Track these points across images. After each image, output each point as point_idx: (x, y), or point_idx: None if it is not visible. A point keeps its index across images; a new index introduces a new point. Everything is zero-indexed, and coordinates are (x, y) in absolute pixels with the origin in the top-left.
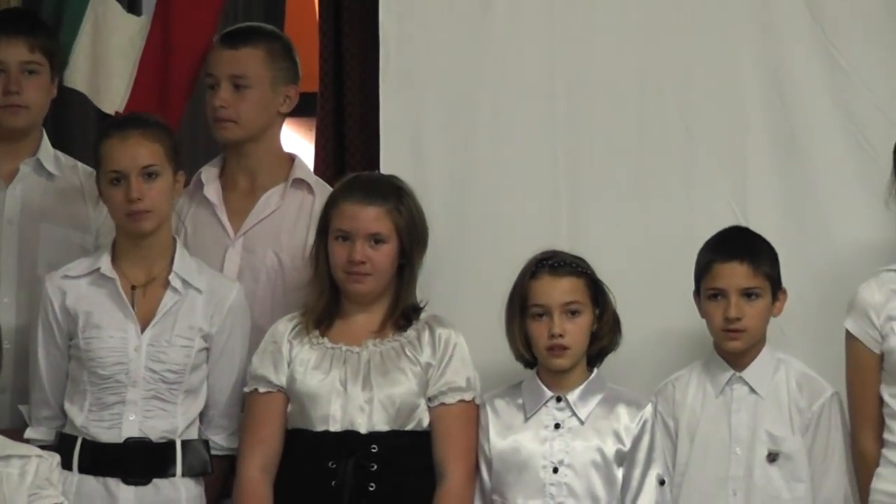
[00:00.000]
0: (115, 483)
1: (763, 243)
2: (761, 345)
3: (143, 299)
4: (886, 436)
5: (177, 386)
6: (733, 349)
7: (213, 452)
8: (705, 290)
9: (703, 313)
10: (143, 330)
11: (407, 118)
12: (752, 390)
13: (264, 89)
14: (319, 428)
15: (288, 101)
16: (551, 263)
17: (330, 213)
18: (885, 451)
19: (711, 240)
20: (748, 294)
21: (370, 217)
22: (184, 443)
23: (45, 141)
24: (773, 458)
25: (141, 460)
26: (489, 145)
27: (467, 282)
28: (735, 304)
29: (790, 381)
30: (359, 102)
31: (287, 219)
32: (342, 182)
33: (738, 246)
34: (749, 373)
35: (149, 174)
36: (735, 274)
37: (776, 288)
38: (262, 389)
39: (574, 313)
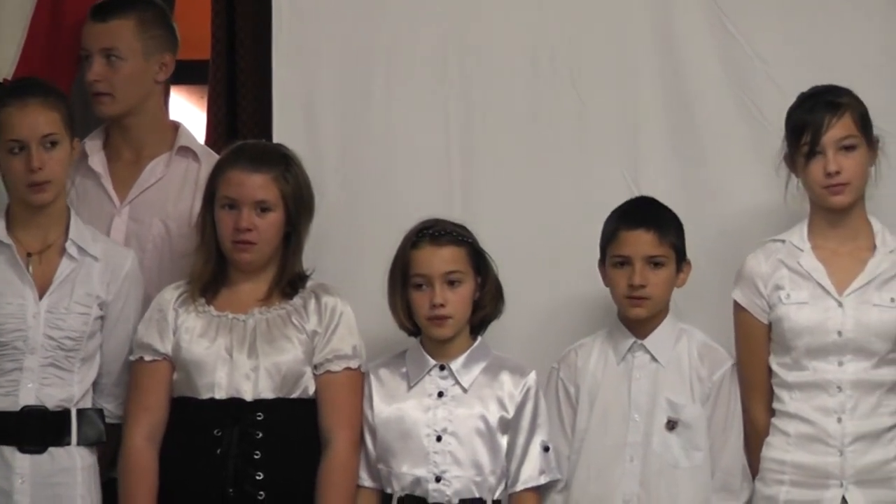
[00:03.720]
0: (10, 451)
1: (670, 214)
2: (664, 314)
3: (38, 266)
4: (776, 405)
5: (74, 353)
6: (636, 316)
7: (108, 420)
8: (611, 258)
9: (608, 281)
10: (40, 297)
11: (300, 86)
12: (654, 358)
13: (137, 60)
14: (205, 396)
15: (164, 68)
16: (432, 233)
17: (216, 180)
18: (774, 421)
19: (619, 208)
20: (653, 262)
21: (256, 184)
22: (79, 412)
23: None
24: (672, 425)
25: (37, 429)
26: (382, 113)
27: (359, 250)
28: (640, 272)
29: (692, 350)
30: (251, 70)
31: (173, 187)
32: (228, 150)
33: (645, 214)
34: (651, 341)
35: (49, 143)
36: (641, 241)
37: (681, 259)
38: (147, 357)
39: (456, 282)
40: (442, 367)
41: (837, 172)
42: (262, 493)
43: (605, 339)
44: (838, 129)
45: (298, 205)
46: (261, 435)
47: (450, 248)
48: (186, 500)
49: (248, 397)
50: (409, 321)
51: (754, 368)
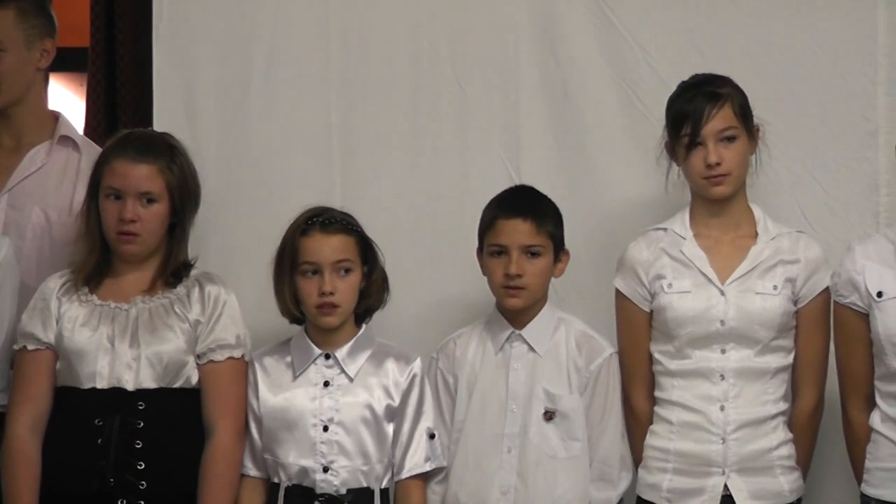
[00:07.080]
0: None
1: (548, 203)
2: (542, 303)
3: None
4: (658, 393)
5: None
6: (512, 306)
7: None
8: (488, 247)
9: (485, 270)
10: None
11: (180, 73)
12: (531, 348)
13: (19, 51)
14: (87, 385)
15: (45, 55)
16: (322, 220)
17: (101, 170)
18: (657, 409)
19: (497, 197)
20: (530, 252)
21: (142, 175)
22: None
23: None
24: (549, 416)
25: None
26: (263, 101)
27: (240, 238)
28: (516, 261)
29: (570, 340)
30: (130, 57)
31: (53, 175)
32: (114, 139)
33: (522, 203)
34: (528, 331)
35: None
36: (518, 231)
37: (559, 248)
38: (30, 347)
39: (345, 271)
40: (327, 356)
41: (718, 164)
42: (143, 482)
43: (483, 329)
44: (718, 121)
45: (184, 196)
46: (142, 424)
47: (339, 237)
48: (68, 489)
49: (130, 387)
50: (296, 308)
51: (635, 356)
